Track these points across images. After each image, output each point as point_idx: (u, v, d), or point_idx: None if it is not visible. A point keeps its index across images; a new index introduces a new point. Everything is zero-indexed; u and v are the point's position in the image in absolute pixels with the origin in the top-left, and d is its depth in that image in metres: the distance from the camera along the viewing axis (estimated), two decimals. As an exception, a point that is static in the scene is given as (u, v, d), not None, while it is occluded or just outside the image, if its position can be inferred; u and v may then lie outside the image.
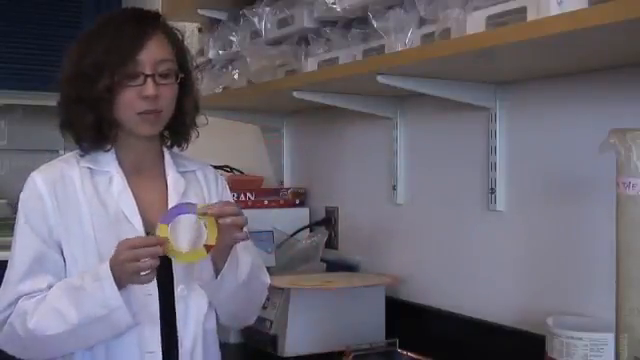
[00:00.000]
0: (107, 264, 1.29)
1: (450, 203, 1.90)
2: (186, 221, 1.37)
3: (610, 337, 1.18)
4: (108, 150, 1.44)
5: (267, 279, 1.54)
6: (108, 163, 1.44)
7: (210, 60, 2.44)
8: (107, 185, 1.42)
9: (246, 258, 1.42)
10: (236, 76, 2.29)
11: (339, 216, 2.36)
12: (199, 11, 2.52)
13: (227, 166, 2.66)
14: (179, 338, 1.40)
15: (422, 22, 1.57)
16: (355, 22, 1.80)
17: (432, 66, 1.56)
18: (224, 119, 2.54)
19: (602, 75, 1.48)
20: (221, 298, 1.43)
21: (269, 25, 2.10)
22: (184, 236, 1.38)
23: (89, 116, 1.38)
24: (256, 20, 2.12)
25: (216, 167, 2.63)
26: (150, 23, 1.40)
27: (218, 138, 2.33)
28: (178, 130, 1.50)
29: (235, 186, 2.43)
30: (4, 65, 3.78)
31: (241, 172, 2.70)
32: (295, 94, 1.98)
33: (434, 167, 1.98)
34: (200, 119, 1.54)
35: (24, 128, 4.15)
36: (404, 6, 1.61)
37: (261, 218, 2.29)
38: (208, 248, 1.31)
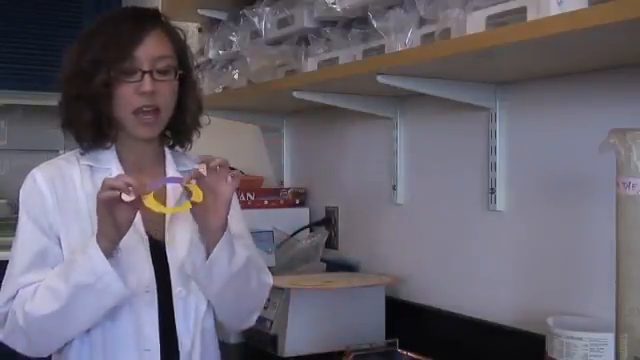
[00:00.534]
0: (94, 236, 1.28)
1: (450, 203, 1.90)
2: (171, 189, 1.40)
3: (610, 337, 1.18)
4: (108, 148, 1.44)
5: (269, 280, 1.52)
6: (109, 161, 1.44)
7: (210, 60, 2.44)
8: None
9: (242, 251, 1.40)
10: (236, 76, 2.29)
11: (339, 216, 2.36)
12: (199, 11, 2.52)
13: (227, 166, 2.65)
14: (178, 337, 1.40)
15: (422, 22, 1.57)
16: (355, 22, 1.80)
17: (432, 66, 1.56)
18: (224, 119, 2.54)
19: (602, 75, 1.48)
20: (214, 289, 1.40)
21: (269, 25, 2.10)
22: (170, 201, 1.41)
23: (87, 113, 1.38)
24: (256, 20, 2.12)
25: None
26: (149, 20, 1.40)
27: (218, 138, 2.33)
28: (179, 129, 1.50)
29: (235, 186, 2.44)
30: (4, 65, 3.78)
31: (241, 172, 2.70)
32: (295, 94, 1.98)
33: (434, 167, 1.98)
34: (203, 119, 1.54)
35: (24, 128, 4.15)
36: (404, 6, 1.61)
37: (261, 218, 2.29)
38: (194, 204, 1.30)
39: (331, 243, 2.34)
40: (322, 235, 2.31)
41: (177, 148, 1.54)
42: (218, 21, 2.50)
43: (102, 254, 1.27)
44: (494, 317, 1.74)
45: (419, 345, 1.77)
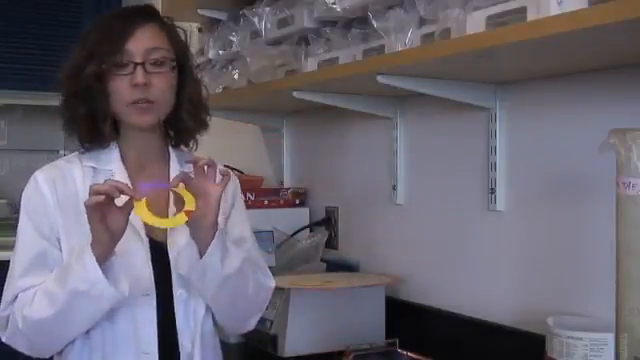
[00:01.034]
0: (90, 242, 1.28)
1: (450, 203, 1.90)
2: (161, 194, 1.38)
3: (610, 337, 1.18)
4: (106, 146, 1.43)
5: (270, 283, 1.50)
6: (111, 161, 1.43)
7: (210, 60, 2.44)
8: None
9: (238, 254, 1.39)
10: (236, 76, 2.29)
11: (339, 216, 2.36)
12: (199, 11, 2.52)
13: (227, 166, 2.65)
14: (179, 339, 1.39)
15: (422, 22, 1.57)
16: (355, 22, 1.80)
17: (432, 66, 1.56)
18: (224, 119, 2.54)
19: (602, 75, 1.48)
20: (208, 291, 1.39)
21: (269, 25, 2.10)
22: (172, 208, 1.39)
23: (82, 108, 1.38)
24: (256, 20, 2.12)
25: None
26: (142, 14, 1.40)
27: (218, 138, 2.33)
28: (177, 127, 1.48)
29: (235, 186, 2.44)
30: (4, 65, 3.78)
31: (241, 172, 2.70)
32: (295, 94, 1.98)
33: (434, 167, 1.98)
34: (208, 119, 1.52)
35: (24, 128, 4.15)
36: (404, 6, 1.61)
37: (261, 218, 2.29)
38: (188, 213, 1.29)
39: (331, 243, 2.34)
40: (322, 235, 2.32)
41: (182, 148, 1.52)
42: (218, 21, 2.50)
43: (95, 262, 1.26)
44: (494, 317, 1.74)
45: (419, 345, 1.77)
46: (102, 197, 1.23)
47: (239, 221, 1.51)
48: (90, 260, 1.26)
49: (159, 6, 2.50)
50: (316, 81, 1.90)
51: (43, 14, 3.88)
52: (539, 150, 1.65)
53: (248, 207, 2.31)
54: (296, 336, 1.86)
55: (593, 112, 1.51)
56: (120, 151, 1.44)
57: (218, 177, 1.35)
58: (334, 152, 2.40)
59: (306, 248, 2.30)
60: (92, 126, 1.40)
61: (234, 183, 1.56)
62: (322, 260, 2.28)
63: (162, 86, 1.38)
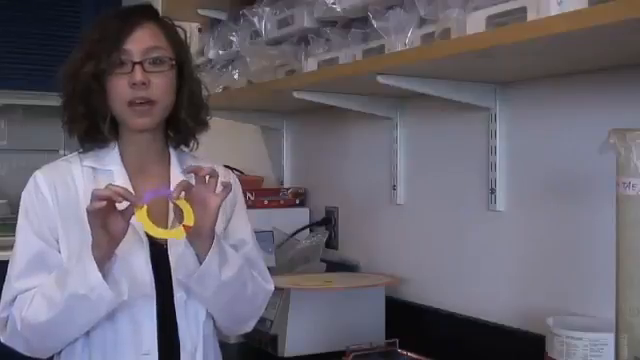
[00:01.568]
0: (90, 245, 1.28)
1: (450, 203, 1.90)
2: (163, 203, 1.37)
3: (610, 337, 1.17)
4: (104, 146, 1.43)
5: (269, 286, 1.50)
6: (111, 162, 1.43)
7: (210, 60, 2.44)
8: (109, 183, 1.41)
9: (236, 260, 1.39)
10: (236, 76, 2.29)
11: (339, 216, 2.36)
12: (199, 11, 2.53)
13: (227, 166, 2.64)
14: (180, 340, 1.39)
15: (422, 22, 1.57)
16: (355, 22, 1.80)
17: (432, 66, 1.56)
18: (224, 119, 2.54)
19: (602, 75, 1.48)
20: (207, 295, 1.39)
21: (269, 25, 2.10)
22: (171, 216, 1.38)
23: (81, 107, 1.38)
24: (256, 20, 2.12)
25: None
26: (140, 14, 1.40)
27: (218, 138, 2.33)
28: (177, 127, 1.47)
29: (235, 186, 2.44)
30: (4, 65, 3.77)
31: (241, 172, 2.70)
32: (295, 94, 1.98)
33: (434, 167, 1.98)
34: (208, 119, 1.52)
35: (24, 128, 4.15)
36: (404, 6, 1.61)
37: (261, 218, 2.29)
38: (186, 228, 1.29)
39: (331, 243, 2.34)
40: (322, 235, 2.32)
41: (183, 148, 1.51)
42: (218, 21, 2.50)
43: (95, 265, 1.26)
44: (494, 317, 1.74)
45: (419, 345, 1.77)
46: (104, 203, 1.22)
47: (240, 224, 1.51)
48: (90, 264, 1.26)
49: (159, 6, 2.50)
50: (316, 81, 1.90)
51: (43, 14, 3.88)
52: (539, 150, 1.65)
53: (248, 207, 2.31)
54: (296, 336, 1.86)
55: (593, 112, 1.51)
56: (120, 151, 1.44)
57: (219, 187, 1.34)
58: (334, 152, 2.40)
59: (306, 248, 2.30)
60: (91, 125, 1.40)
61: (235, 184, 1.55)
62: (322, 260, 2.28)
63: (162, 85, 1.37)
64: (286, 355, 1.85)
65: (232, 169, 2.66)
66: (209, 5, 2.51)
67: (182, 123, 1.46)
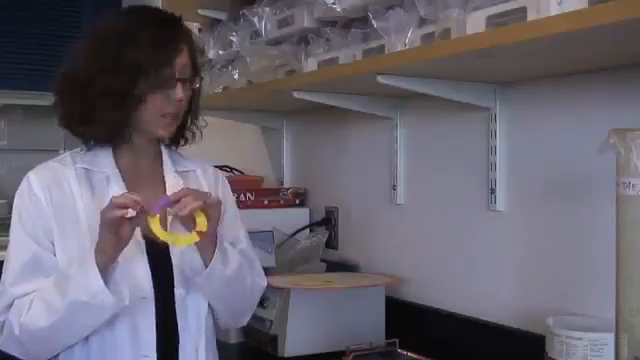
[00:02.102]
0: (92, 249, 1.28)
1: (450, 203, 1.90)
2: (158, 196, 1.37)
3: (610, 337, 1.17)
4: (106, 148, 1.43)
5: (263, 282, 1.54)
6: (105, 164, 1.42)
7: (210, 60, 2.44)
8: (104, 186, 1.40)
9: (235, 257, 1.41)
10: (236, 76, 2.29)
11: (339, 216, 2.36)
12: (199, 11, 2.53)
13: (227, 166, 2.66)
14: (180, 339, 1.40)
15: (422, 22, 1.57)
16: (355, 22, 1.80)
17: (432, 66, 1.56)
18: (224, 119, 2.54)
19: (602, 75, 1.48)
20: (214, 290, 1.41)
21: (269, 25, 2.10)
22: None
23: (115, 113, 1.36)
24: (256, 20, 2.12)
25: (216, 167, 2.64)
26: (181, 27, 1.41)
27: (218, 138, 2.33)
28: (180, 130, 1.49)
29: (235, 186, 2.42)
30: (4, 65, 3.77)
31: (241, 172, 2.70)
32: (295, 94, 1.98)
33: (434, 167, 1.98)
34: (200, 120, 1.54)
35: (24, 128, 4.14)
36: (404, 6, 1.61)
37: (261, 218, 2.29)
38: (200, 235, 1.31)
39: (331, 243, 2.34)
40: (322, 235, 2.32)
41: (172, 147, 1.53)
42: (218, 21, 2.50)
43: (98, 272, 1.26)
44: (494, 317, 1.74)
45: (419, 345, 1.77)
46: (125, 211, 1.24)
47: (232, 223, 1.52)
48: (93, 270, 1.26)
49: (159, 6, 2.50)
50: (316, 81, 1.90)
51: (43, 14, 3.88)
52: (539, 150, 1.65)
53: (248, 207, 2.34)
54: (296, 336, 1.86)
55: (593, 112, 1.51)
56: (114, 154, 1.44)
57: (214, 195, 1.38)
58: (334, 152, 2.40)
59: (306, 248, 2.30)
60: (115, 127, 1.39)
61: (224, 184, 1.57)
62: (322, 260, 2.28)
63: (186, 99, 1.41)
64: (286, 355, 1.85)
65: (232, 169, 2.68)
66: (209, 5, 2.50)
67: (187, 127, 1.50)
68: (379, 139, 2.16)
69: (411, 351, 1.77)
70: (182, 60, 1.38)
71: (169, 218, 1.39)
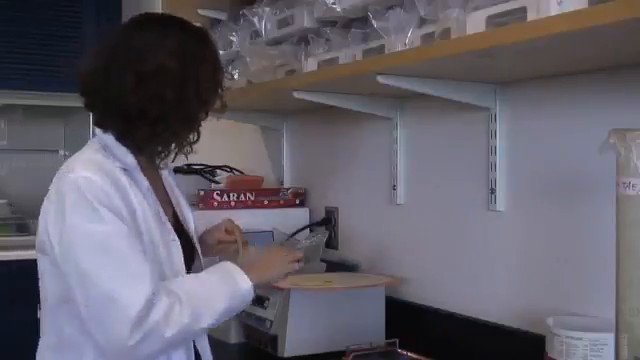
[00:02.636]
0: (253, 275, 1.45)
1: (450, 203, 1.90)
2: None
3: (610, 337, 1.18)
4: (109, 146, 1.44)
5: None
6: (131, 163, 1.41)
7: (210, 60, 2.44)
8: (144, 185, 1.41)
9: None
10: (236, 76, 2.29)
11: (339, 216, 2.36)
12: (199, 11, 2.53)
13: (227, 166, 2.66)
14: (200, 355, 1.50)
15: (422, 22, 1.57)
16: (355, 22, 1.80)
17: (432, 66, 1.56)
18: (224, 119, 2.53)
19: (602, 75, 1.48)
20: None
21: (269, 25, 2.10)
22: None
23: (189, 135, 1.45)
24: (256, 20, 2.12)
25: (216, 167, 2.65)
26: None
27: (218, 138, 2.33)
28: None
29: (235, 186, 2.44)
30: (4, 65, 3.77)
31: (241, 172, 2.70)
32: (295, 94, 1.98)
33: (434, 167, 1.98)
34: None
35: (24, 128, 4.14)
36: (404, 6, 1.61)
37: (261, 218, 2.29)
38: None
39: (331, 243, 2.34)
40: (322, 235, 2.31)
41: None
42: (218, 21, 2.50)
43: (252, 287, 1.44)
44: (494, 317, 1.74)
45: (419, 345, 1.77)
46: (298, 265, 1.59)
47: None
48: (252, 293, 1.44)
49: (159, 6, 2.51)
50: (316, 81, 1.90)
51: (43, 14, 3.87)
52: (539, 150, 1.65)
53: (248, 207, 2.35)
54: (296, 336, 1.86)
55: (593, 112, 1.51)
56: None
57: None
58: (334, 152, 2.40)
59: (306, 248, 2.29)
60: (195, 131, 1.46)
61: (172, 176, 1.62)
62: (322, 260, 2.28)
63: None
64: (286, 355, 1.85)
65: (232, 169, 2.68)
66: (209, 5, 2.51)
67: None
68: (379, 139, 2.16)
69: (411, 351, 1.77)
70: None
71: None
